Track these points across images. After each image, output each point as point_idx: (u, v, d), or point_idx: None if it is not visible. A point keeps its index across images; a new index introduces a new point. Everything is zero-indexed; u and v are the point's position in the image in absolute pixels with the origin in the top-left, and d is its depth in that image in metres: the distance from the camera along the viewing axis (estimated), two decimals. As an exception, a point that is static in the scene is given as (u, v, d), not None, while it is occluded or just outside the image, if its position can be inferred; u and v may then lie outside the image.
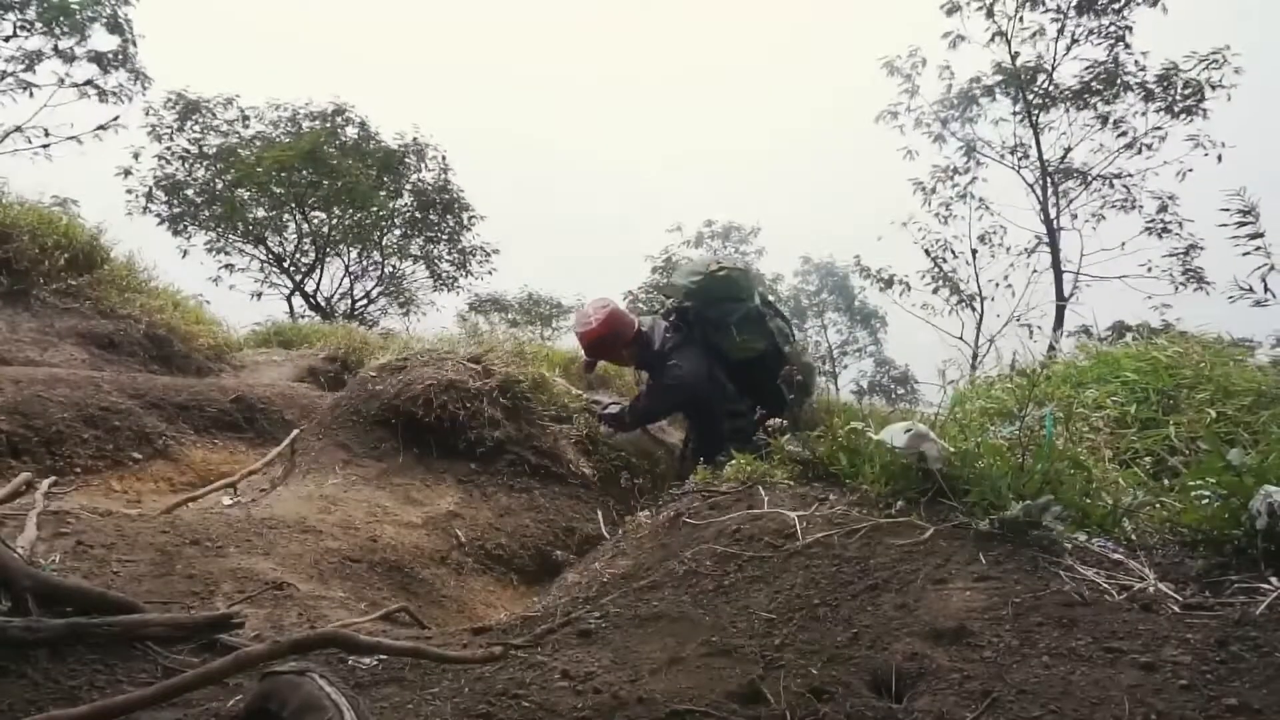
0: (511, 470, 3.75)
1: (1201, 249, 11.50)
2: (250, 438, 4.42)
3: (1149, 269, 11.79)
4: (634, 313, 4.40)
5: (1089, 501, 1.89)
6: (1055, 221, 12.59)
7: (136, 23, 10.86)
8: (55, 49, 10.26)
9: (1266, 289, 3.04)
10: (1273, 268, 2.99)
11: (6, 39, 10.00)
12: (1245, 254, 3.03)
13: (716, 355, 4.09)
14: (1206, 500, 1.76)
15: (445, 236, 15.02)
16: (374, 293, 15.02)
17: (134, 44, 10.83)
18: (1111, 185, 12.31)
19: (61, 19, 10.08)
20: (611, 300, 4.26)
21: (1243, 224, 3.01)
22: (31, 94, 10.02)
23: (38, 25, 10.09)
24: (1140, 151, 11.97)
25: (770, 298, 4.52)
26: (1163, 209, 11.97)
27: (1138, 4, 11.62)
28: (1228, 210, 3.03)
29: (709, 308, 4.12)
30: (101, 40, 10.65)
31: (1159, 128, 11.89)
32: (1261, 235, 2.99)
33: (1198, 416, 2.72)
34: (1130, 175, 12.17)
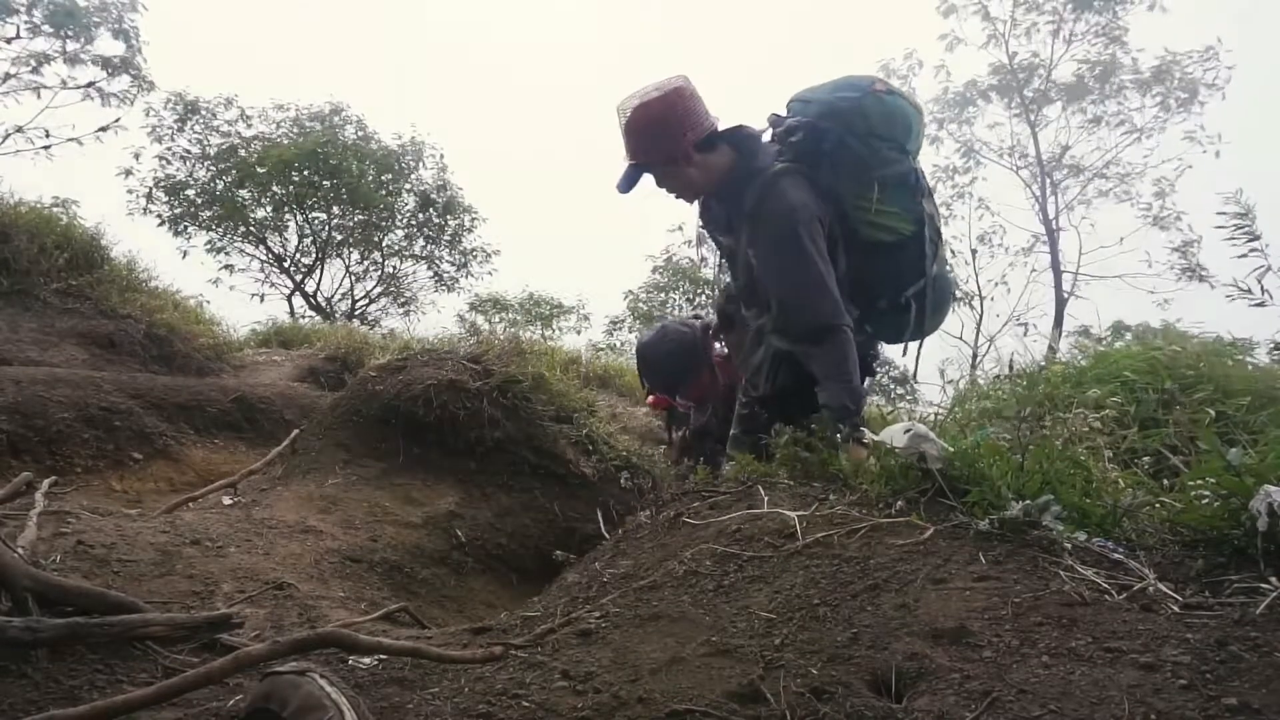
0: (511, 470, 3.75)
1: (1199, 241, 11.54)
2: (250, 438, 4.44)
3: (1149, 264, 11.83)
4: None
5: (1089, 501, 1.89)
6: (1055, 221, 12.62)
7: (143, 30, 10.92)
8: (62, 50, 10.30)
9: (1264, 290, 3.04)
10: (1269, 268, 2.99)
11: (9, 40, 10.03)
12: (1242, 256, 3.03)
13: (843, 227, 2.68)
14: (1206, 500, 1.76)
15: (447, 238, 15.02)
16: (374, 293, 15.03)
17: (140, 51, 10.90)
18: (1105, 177, 12.39)
19: (69, 24, 10.12)
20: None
21: (1240, 226, 3.01)
22: (39, 94, 10.07)
23: (44, 28, 10.13)
24: (1140, 140, 12.04)
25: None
26: (1160, 195, 12.02)
27: (1133, 2, 11.68)
28: (1224, 213, 3.03)
29: (858, 141, 2.63)
30: (107, 45, 10.71)
31: (1159, 117, 11.95)
32: (1259, 237, 2.99)
33: (1197, 416, 2.72)
34: (1129, 164, 12.24)
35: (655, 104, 2.64)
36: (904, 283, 2.76)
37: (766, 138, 2.81)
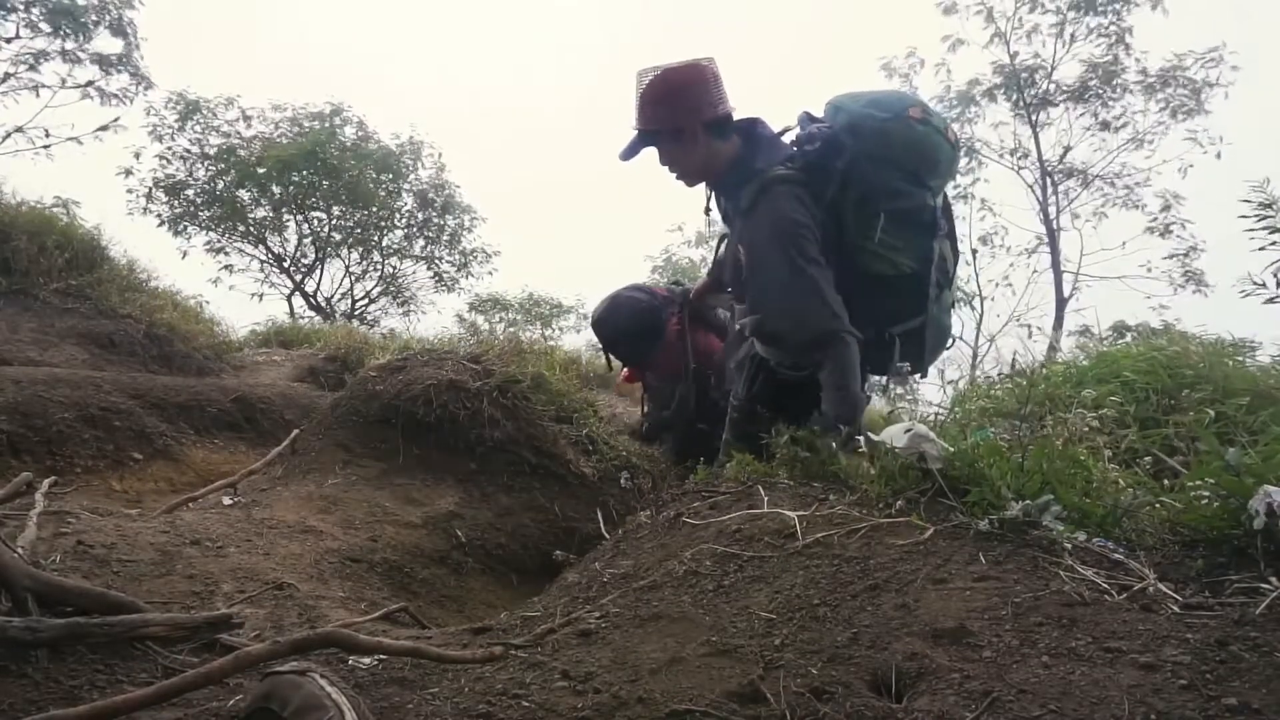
0: (511, 470, 3.75)
1: (1202, 251, 11.56)
2: (250, 438, 4.43)
3: (1149, 269, 11.86)
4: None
5: (1089, 501, 1.89)
6: (1055, 222, 12.64)
7: (141, 27, 10.93)
8: (61, 50, 10.33)
9: None
10: None
11: (8, 40, 10.05)
12: (1261, 249, 2.98)
13: (838, 249, 2.58)
14: (1206, 500, 1.76)
15: (446, 238, 15.03)
16: (374, 293, 15.03)
17: (137, 47, 10.92)
18: (1113, 185, 12.42)
19: (67, 22, 10.14)
20: None
21: (1263, 218, 2.95)
22: (38, 93, 10.11)
23: (43, 27, 10.16)
24: (1140, 146, 12.05)
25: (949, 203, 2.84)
26: (1166, 208, 12.04)
27: (1136, 4, 11.68)
28: (1248, 201, 2.97)
29: (873, 166, 2.53)
30: (105, 43, 10.73)
31: (1161, 123, 11.95)
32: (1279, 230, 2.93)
33: (1197, 416, 2.72)
34: (1132, 172, 12.25)
35: (676, 72, 2.62)
36: (894, 318, 2.66)
37: (791, 135, 2.73)
